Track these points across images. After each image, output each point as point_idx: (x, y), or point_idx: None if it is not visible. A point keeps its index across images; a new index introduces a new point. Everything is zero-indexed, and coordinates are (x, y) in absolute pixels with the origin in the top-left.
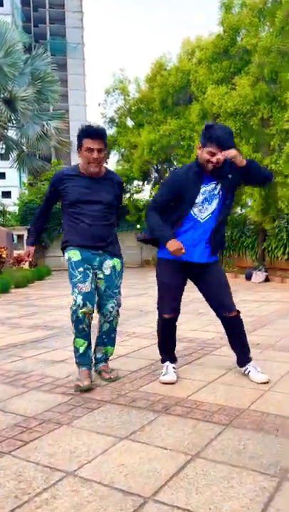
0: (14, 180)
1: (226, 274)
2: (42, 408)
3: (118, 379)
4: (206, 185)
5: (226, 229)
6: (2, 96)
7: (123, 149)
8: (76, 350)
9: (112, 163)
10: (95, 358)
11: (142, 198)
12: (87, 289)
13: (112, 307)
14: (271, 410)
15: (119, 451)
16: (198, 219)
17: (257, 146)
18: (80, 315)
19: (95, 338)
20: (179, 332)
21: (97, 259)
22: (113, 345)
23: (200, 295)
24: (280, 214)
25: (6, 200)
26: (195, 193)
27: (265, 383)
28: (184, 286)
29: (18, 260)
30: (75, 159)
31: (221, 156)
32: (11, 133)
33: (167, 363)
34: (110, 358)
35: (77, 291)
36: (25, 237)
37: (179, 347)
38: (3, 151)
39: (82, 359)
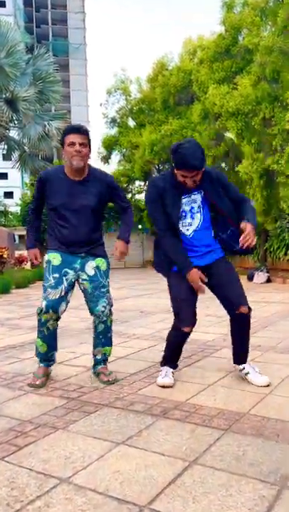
0: (16, 180)
1: None
2: (38, 412)
3: (117, 381)
4: (187, 197)
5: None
6: (4, 96)
7: (124, 149)
8: (36, 348)
9: (114, 163)
10: (94, 359)
11: (143, 198)
12: (55, 296)
13: (104, 307)
14: (271, 415)
15: (116, 457)
16: (185, 234)
17: (259, 146)
18: (43, 319)
19: (92, 340)
20: None
21: (79, 261)
22: (111, 344)
23: (201, 296)
24: (282, 214)
25: (8, 201)
26: (177, 207)
27: (266, 386)
28: (197, 296)
29: (20, 260)
30: None
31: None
32: (13, 133)
33: (166, 367)
34: (109, 359)
35: (44, 296)
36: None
37: None
38: (5, 152)
39: (42, 356)
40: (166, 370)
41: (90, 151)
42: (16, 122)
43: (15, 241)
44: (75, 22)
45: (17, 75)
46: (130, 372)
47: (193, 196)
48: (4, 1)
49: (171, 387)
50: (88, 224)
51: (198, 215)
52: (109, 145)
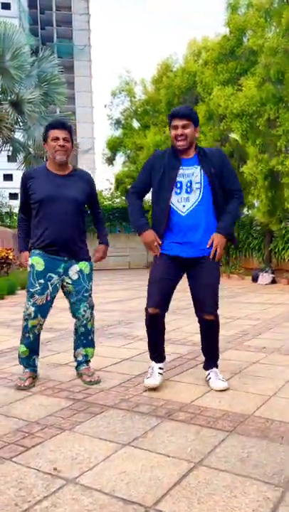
0: None
1: (232, 275)
2: (45, 413)
3: (99, 382)
4: (185, 168)
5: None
6: (9, 98)
7: (129, 151)
8: (19, 355)
9: (118, 164)
10: (76, 361)
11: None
12: (42, 301)
13: (85, 310)
14: (275, 417)
15: (121, 458)
16: (179, 212)
17: (263, 147)
18: (30, 325)
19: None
20: (183, 335)
21: (62, 265)
22: (93, 346)
23: None
24: (287, 215)
25: (13, 202)
26: (172, 176)
27: (223, 391)
28: (175, 283)
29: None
30: (82, 161)
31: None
32: (18, 135)
33: (153, 363)
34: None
35: (31, 302)
36: None
37: (183, 351)
38: (10, 153)
39: (25, 361)
40: (153, 366)
41: (72, 146)
42: (21, 124)
43: None
44: (80, 23)
45: (22, 77)
46: (135, 374)
47: (192, 169)
48: (9, 3)
49: (155, 389)
50: (73, 220)
51: (198, 191)
52: (114, 146)
